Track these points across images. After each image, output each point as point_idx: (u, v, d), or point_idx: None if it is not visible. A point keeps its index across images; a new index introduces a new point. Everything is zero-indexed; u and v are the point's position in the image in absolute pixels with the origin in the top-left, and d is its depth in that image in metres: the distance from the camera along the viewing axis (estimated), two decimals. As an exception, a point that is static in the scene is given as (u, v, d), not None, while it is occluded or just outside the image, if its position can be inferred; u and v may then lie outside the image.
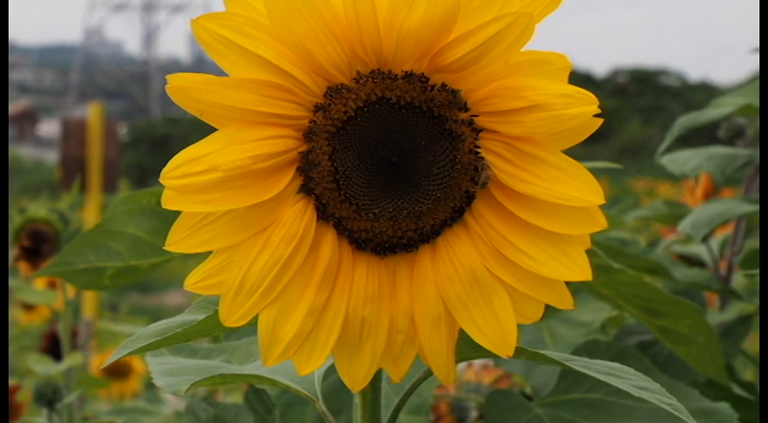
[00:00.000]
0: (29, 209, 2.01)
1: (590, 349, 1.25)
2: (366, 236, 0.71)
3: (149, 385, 3.52)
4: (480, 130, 0.70)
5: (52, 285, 2.53)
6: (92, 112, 5.40)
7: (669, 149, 1.73)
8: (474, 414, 1.48)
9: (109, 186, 5.29)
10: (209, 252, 0.69)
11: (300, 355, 0.69)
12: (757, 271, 1.18)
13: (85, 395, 2.73)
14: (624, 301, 1.31)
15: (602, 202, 0.70)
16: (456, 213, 0.71)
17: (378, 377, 0.78)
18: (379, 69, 0.68)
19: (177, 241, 0.67)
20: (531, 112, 0.67)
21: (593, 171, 0.70)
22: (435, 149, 0.70)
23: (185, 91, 0.65)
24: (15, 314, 3.81)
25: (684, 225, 1.57)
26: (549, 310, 0.73)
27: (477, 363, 1.55)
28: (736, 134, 1.78)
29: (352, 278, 0.70)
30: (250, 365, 0.98)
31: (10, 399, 1.55)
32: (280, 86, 0.66)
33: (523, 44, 0.67)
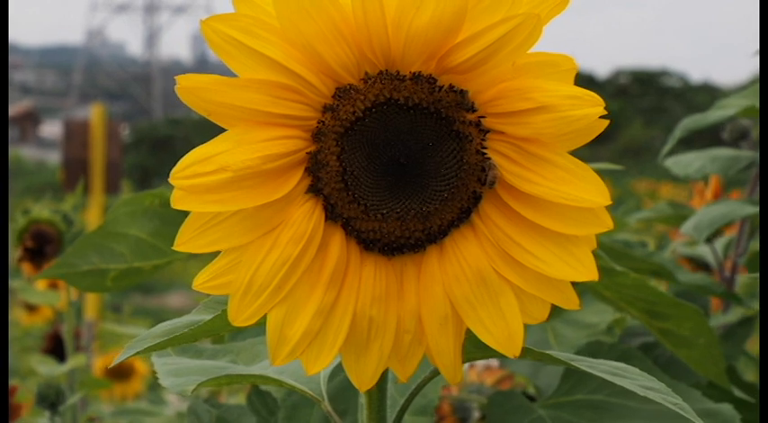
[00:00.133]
0: (32, 210, 2.00)
1: (593, 350, 1.25)
2: (374, 236, 0.71)
3: (152, 386, 3.52)
4: (487, 131, 0.70)
5: (54, 286, 2.53)
6: (94, 114, 5.40)
7: (672, 151, 1.73)
8: (476, 415, 1.48)
9: (111, 187, 5.29)
10: (214, 253, 0.69)
11: (308, 355, 0.69)
12: (757, 274, 1.18)
13: (87, 396, 2.73)
14: (626, 303, 1.31)
15: (609, 202, 0.70)
16: (463, 214, 0.72)
17: (384, 378, 0.78)
18: (387, 70, 0.68)
19: (186, 241, 0.67)
20: (538, 113, 0.68)
21: (596, 172, 0.70)
22: (443, 150, 0.70)
23: (194, 91, 0.65)
24: (18, 315, 3.81)
25: (687, 227, 1.57)
26: (554, 312, 0.74)
27: (480, 363, 1.55)
28: (740, 136, 1.77)
29: (359, 278, 0.71)
30: (256, 366, 0.98)
31: (9, 399, 1.55)
32: (288, 87, 0.67)
33: (531, 46, 0.67)
